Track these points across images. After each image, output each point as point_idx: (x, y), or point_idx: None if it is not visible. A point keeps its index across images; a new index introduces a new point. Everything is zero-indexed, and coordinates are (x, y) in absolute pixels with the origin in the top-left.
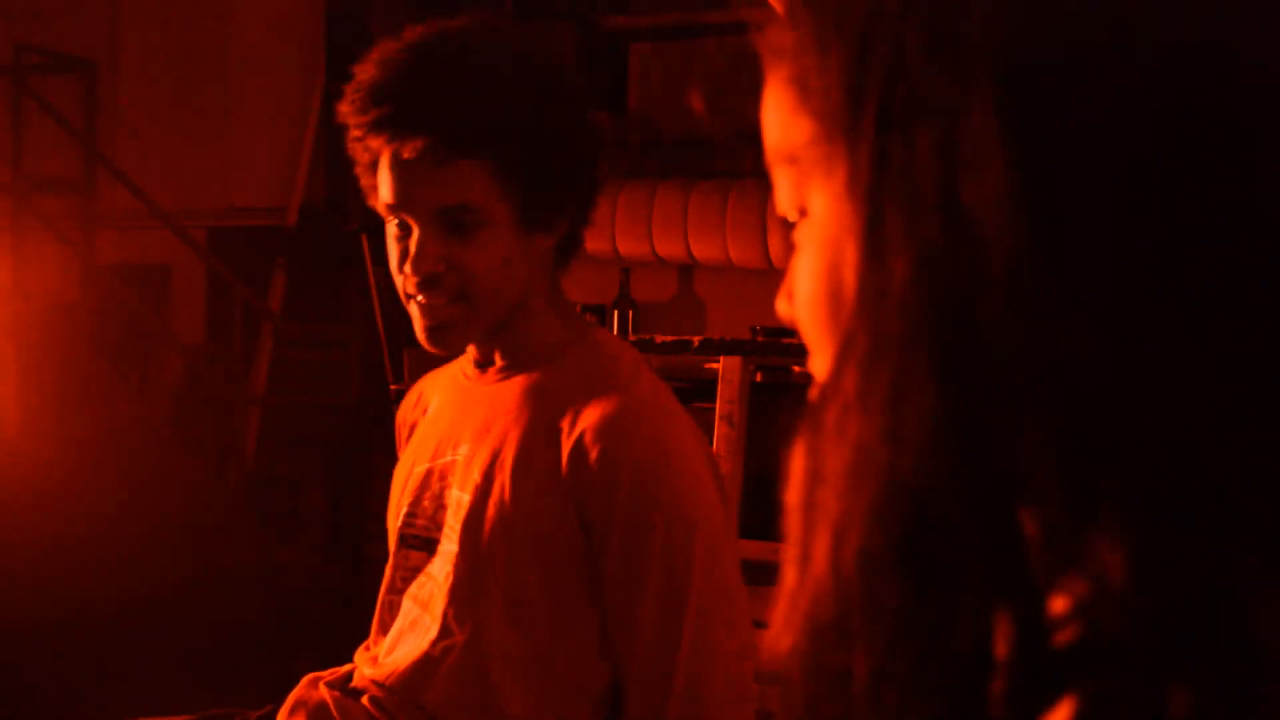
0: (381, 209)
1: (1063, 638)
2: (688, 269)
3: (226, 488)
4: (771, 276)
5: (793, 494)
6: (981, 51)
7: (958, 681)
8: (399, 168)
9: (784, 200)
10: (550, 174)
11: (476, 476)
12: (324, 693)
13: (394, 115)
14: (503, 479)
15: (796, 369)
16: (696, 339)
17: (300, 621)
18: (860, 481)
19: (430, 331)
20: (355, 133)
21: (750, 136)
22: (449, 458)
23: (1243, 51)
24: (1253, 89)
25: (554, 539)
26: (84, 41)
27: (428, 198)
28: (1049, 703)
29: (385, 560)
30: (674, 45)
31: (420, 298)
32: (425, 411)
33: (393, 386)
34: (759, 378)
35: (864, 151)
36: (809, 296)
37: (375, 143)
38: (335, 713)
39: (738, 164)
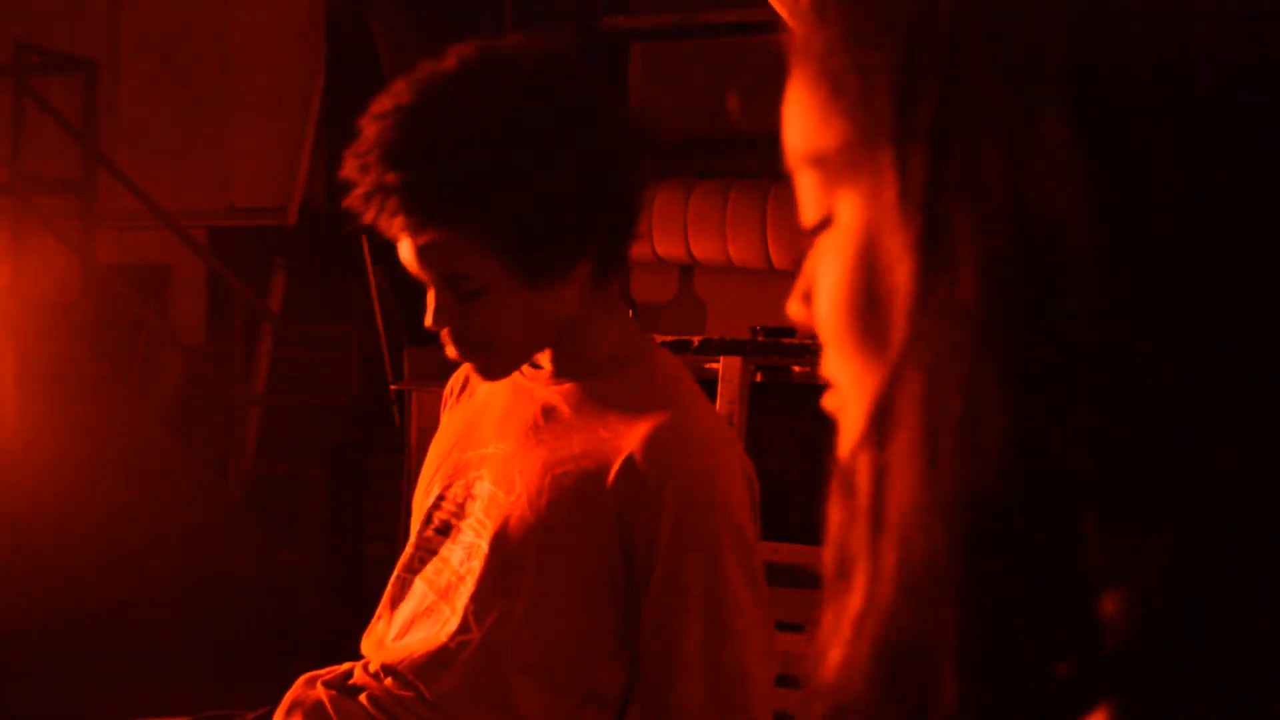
0: None
1: (1105, 649)
2: (688, 269)
3: (226, 488)
4: (771, 276)
5: (839, 519)
6: (1049, 54)
7: (1052, 696)
8: (399, 238)
9: (808, 204)
10: (544, 235)
11: (515, 478)
12: (320, 692)
13: (375, 192)
14: (543, 486)
15: (796, 369)
16: (696, 339)
17: (300, 621)
18: (934, 498)
19: (474, 371)
20: (355, 200)
21: (750, 137)
22: (489, 449)
23: None
24: None
25: (589, 551)
26: (84, 41)
27: (427, 266)
28: (1084, 712)
29: (385, 560)
30: (674, 45)
31: (449, 346)
32: (471, 393)
33: (393, 386)
34: (759, 378)
35: (918, 158)
36: (836, 304)
37: (369, 215)
38: (332, 712)
39: (739, 164)
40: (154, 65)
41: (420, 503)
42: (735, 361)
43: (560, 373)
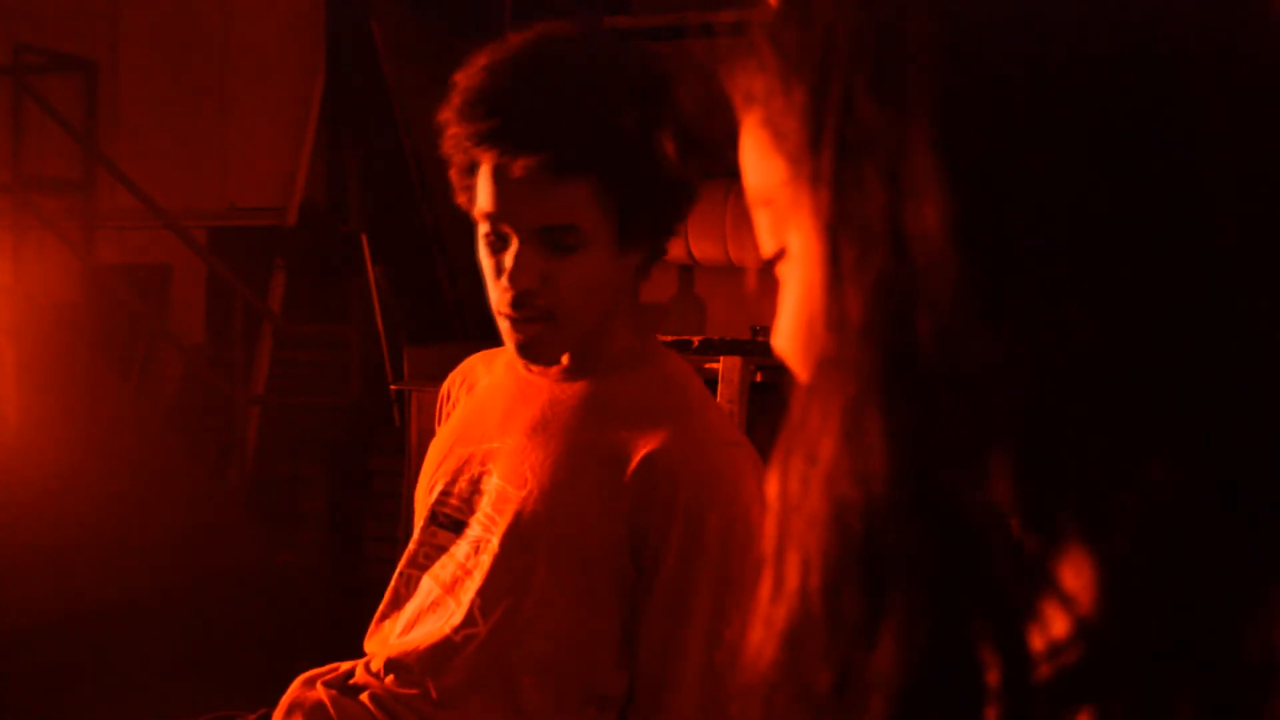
0: (477, 215)
1: (1056, 664)
2: (688, 269)
3: (226, 488)
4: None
5: (769, 517)
6: (920, 88)
7: (924, 696)
8: (504, 182)
9: (765, 240)
10: (652, 194)
11: (527, 473)
12: (320, 692)
13: (504, 130)
14: (555, 482)
15: None
16: (696, 339)
17: (300, 621)
18: (825, 506)
19: (521, 348)
20: (457, 140)
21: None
22: (494, 444)
23: (1175, 87)
24: (1191, 121)
25: (599, 548)
26: (84, 41)
27: (532, 215)
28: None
29: (385, 560)
30: (674, 45)
31: (510, 313)
32: (471, 390)
33: (393, 386)
34: (759, 378)
35: (824, 189)
36: (789, 330)
37: (480, 154)
38: (332, 711)
39: (738, 164)
40: (154, 65)
41: (423, 499)
42: (735, 361)
43: (575, 368)
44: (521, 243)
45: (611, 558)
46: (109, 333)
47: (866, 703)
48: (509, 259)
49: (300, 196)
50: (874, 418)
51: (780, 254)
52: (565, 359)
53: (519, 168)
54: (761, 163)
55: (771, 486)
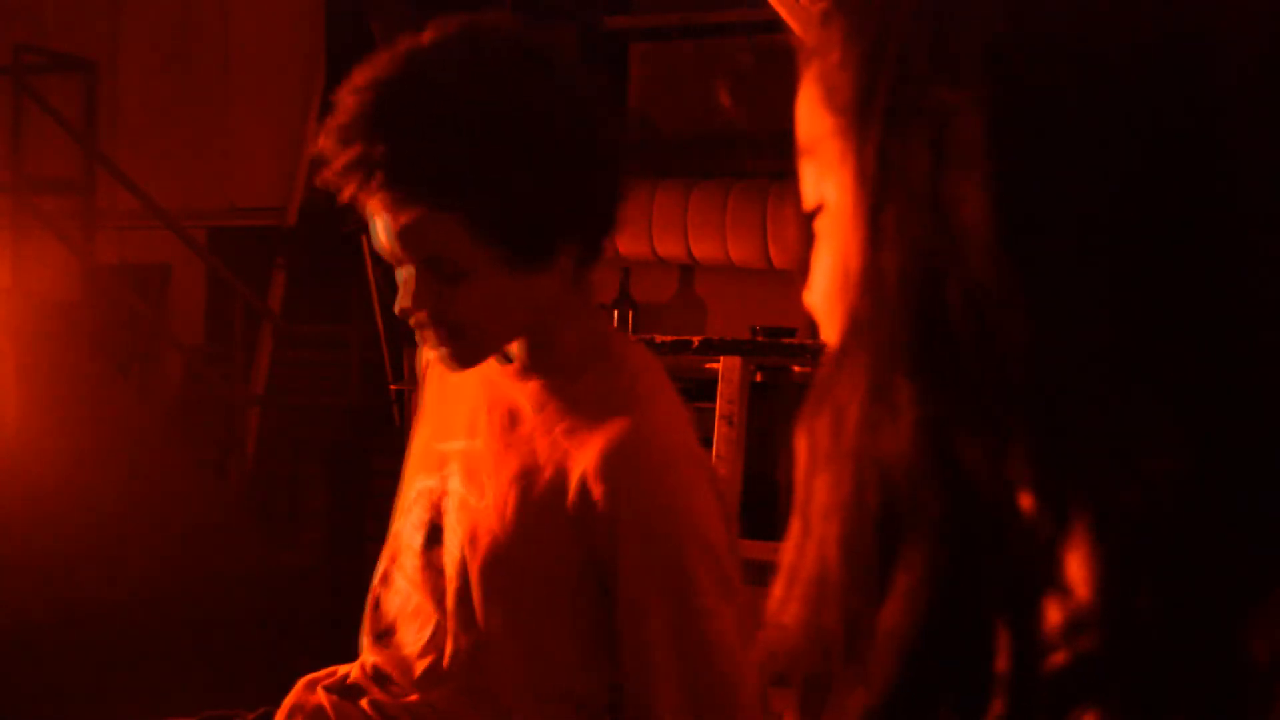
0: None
1: (1060, 657)
2: (688, 269)
3: (226, 488)
4: (771, 276)
5: (796, 474)
6: (976, 58)
7: (931, 659)
8: (376, 217)
9: (808, 191)
10: (533, 221)
11: (484, 481)
12: (321, 697)
13: (357, 164)
14: (510, 496)
15: (796, 369)
16: (696, 339)
17: (300, 621)
18: (848, 463)
19: (441, 359)
20: (332, 174)
21: (751, 136)
22: (460, 444)
23: (1230, 75)
24: (1237, 110)
25: (557, 564)
26: (84, 41)
27: (406, 248)
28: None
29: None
30: (674, 45)
31: (419, 332)
32: (445, 375)
33: (393, 386)
34: (759, 378)
35: (870, 147)
36: (824, 285)
37: (349, 189)
38: (334, 717)
39: (739, 164)
40: (154, 65)
41: (403, 494)
42: (735, 361)
43: (529, 368)
44: (409, 274)
45: (571, 572)
46: (109, 333)
47: (875, 659)
48: (400, 284)
49: (300, 196)
50: (900, 380)
51: (820, 208)
52: (519, 356)
53: (376, 203)
54: (812, 115)
55: (800, 440)
